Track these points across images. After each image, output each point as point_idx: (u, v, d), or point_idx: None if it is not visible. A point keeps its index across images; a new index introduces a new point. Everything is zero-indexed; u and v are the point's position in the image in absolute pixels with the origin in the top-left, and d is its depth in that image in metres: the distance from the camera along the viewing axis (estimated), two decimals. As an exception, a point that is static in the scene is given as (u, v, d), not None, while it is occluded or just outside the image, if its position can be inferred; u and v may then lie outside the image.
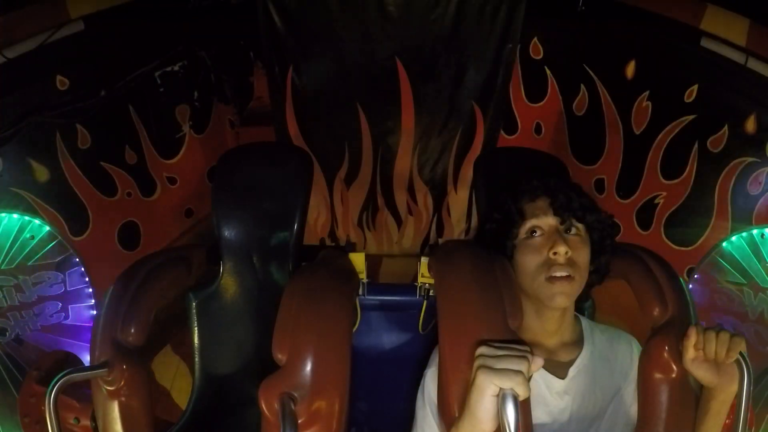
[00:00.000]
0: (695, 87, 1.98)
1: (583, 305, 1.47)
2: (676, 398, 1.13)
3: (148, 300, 1.42)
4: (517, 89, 2.80)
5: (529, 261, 1.17)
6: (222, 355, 1.74)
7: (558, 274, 1.13)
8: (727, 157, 1.87)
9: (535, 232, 1.19)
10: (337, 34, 2.52)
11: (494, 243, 1.25)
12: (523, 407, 0.96)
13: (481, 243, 1.32)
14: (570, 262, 1.14)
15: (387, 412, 1.70)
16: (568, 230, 1.19)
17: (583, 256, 1.18)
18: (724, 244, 1.81)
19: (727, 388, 1.06)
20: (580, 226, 1.20)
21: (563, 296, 1.13)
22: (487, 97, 2.72)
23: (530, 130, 2.90)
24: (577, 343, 1.26)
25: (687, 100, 2.01)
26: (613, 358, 1.25)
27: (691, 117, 2.02)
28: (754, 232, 1.74)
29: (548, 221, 1.19)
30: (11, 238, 1.74)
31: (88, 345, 1.54)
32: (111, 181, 2.22)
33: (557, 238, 1.15)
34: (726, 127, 1.87)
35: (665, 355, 1.13)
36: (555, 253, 1.14)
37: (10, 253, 1.74)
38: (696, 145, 2.00)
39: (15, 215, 1.76)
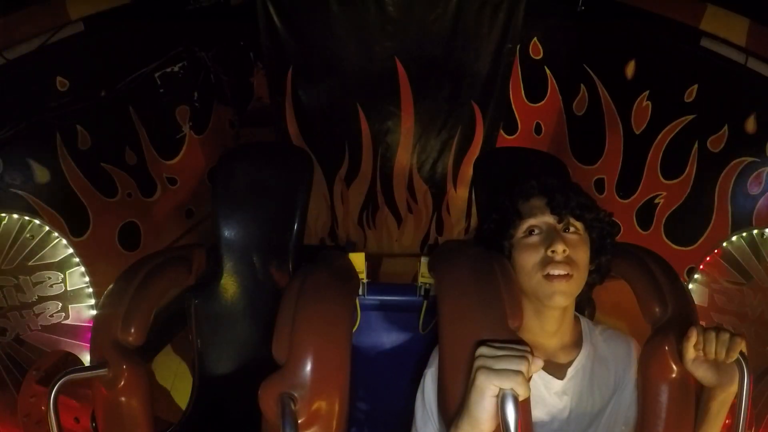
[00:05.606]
0: (695, 87, 1.98)
1: (583, 305, 1.47)
2: (676, 398, 1.13)
3: (148, 300, 1.42)
4: (517, 89, 2.80)
5: (526, 259, 1.17)
6: (222, 355, 1.74)
7: (556, 272, 1.12)
8: (727, 157, 1.87)
9: (533, 231, 1.19)
10: (337, 35, 2.52)
11: (492, 243, 1.25)
12: (523, 407, 0.96)
13: (481, 243, 1.32)
14: (568, 261, 1.13)
15: (387, 412, 1.70)
16: (566, 229, 1.18)
17: (582, 254, 1.17)
18: (724, 244, 1.81)
19: (727, 388, 1.06)
20: (578, 224, 1.20)
21: (562, 295, 1.13)
22: (487, 97, 2.72)
23: (530, 130, 2.90)
24: (577, 343, 1.26)
25: (687, 100, 2.01)
26: (611, 359, 1.25)
27: (691, 117, 2.02)
28: (754, 232, 1.73)
29: (545, 220, 1.18)
30: (11, 238, 1.74)
31: (88, 345, 1.54)
32: (111, 181, 2.22)
33: (555, 236, 1.15)
34: (726, 127, 1.87)
35: (665, 355, 1.13)
36: (553, 251, 1.13)
37: (10, 253, 1.74)
38: (696, 145, 2.00)
39: (15, 215, 1.76)
